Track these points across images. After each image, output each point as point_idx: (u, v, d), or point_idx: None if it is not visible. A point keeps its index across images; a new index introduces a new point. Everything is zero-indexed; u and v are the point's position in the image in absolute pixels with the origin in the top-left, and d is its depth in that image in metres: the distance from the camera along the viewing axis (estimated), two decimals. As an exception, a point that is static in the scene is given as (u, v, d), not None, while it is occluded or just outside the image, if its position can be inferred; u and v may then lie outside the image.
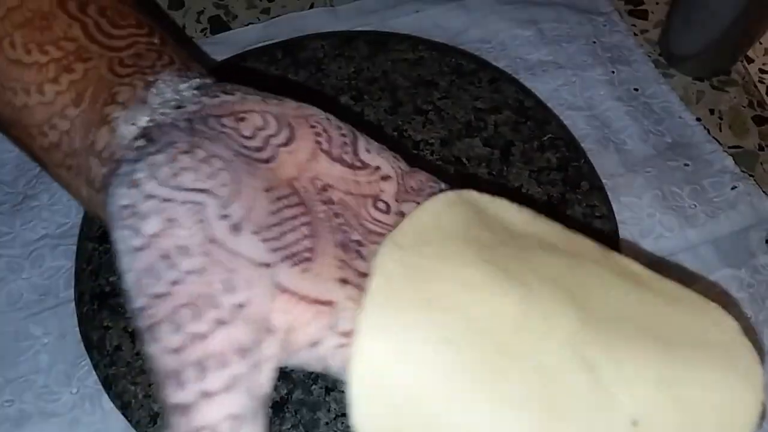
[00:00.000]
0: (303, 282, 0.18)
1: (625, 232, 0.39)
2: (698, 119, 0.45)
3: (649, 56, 0.47)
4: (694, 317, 0.21)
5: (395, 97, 0.41)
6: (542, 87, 0.44)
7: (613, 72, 0.46)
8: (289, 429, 0.31)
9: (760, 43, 0.49)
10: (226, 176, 0.18)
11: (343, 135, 0.21)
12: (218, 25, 0.49)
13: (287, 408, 0.31)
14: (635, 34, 0.49)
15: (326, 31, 0.45)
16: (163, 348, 0.16)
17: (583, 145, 0.42)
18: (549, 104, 0.42)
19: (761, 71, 0.48)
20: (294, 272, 0.18)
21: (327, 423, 0.31)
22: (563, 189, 0.38)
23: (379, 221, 0.21)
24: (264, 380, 0.17)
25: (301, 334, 0.18)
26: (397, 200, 0.22)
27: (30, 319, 0.36)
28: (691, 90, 0.47)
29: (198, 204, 0.17)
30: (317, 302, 0.18)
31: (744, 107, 0.46)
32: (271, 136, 0.20)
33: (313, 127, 0.21)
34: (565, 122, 0.42)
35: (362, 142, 0.22)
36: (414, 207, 0.21)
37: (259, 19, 0.49)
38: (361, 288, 0.19)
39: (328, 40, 0.43)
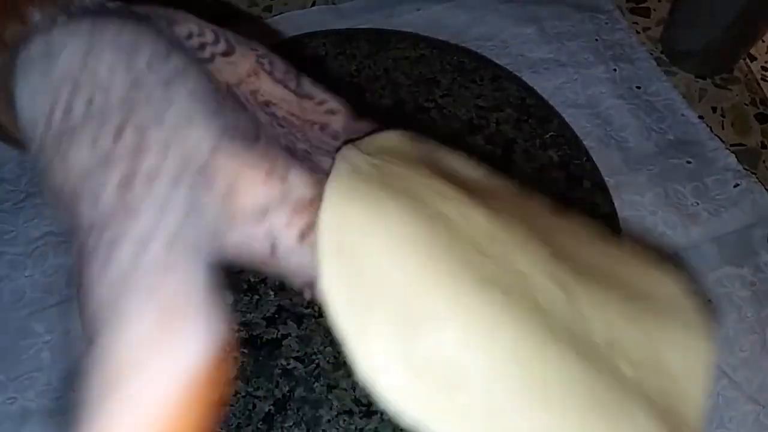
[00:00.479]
0: (247, 152, 0.16)
1: (627, 230, 0.39)
2: (701, 117, 0.44)
3: (651, 54, 0.47)
4: (650, 272, 0.21)
5: (397, 95, 0.41)
6: (544, 85, 0.44)
7: (615, 70, 0.46)
8: (291, 426, 0.31)
9: (763, 41, 0.49)
10: (158, 47, 0.16)
11: (287, 66, 0.20)
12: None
13: (289, 405, 0.31)
14: (637, 32, 0.49)
15: (328, 28, 0.45)
16: (76, 160, 0.15)
17: (585, 142, 0.41)
18: (551, 102, 0.42)
19: (764, 69, 0.48)
20: (237, 143, 0.16)
21: (329, 420, 0.31)
22: (565, 187, 0.38)
23: (328, 144, 0.20)
24: (201, 235, 0.15)
25: (248, 198, 0.16)
26: (345, 132, 0.21)
27: (32, 316, 0.36)
28: (693, 88, 0.47)
29: (126, 44, 0.16)
30: (264, 165, 0.17)
31: (746, 105, 0.46)
32: (208, 43, 0.18)
33: (254, 50, 0.20)
34: (567, 120, 0.42)
35: (307, 79, 0.21)
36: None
37: (261, 17, 0.49)
38: (314, 171, 0.18)
39: (329, 37, 0.43)
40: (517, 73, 0.44)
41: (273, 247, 0.17)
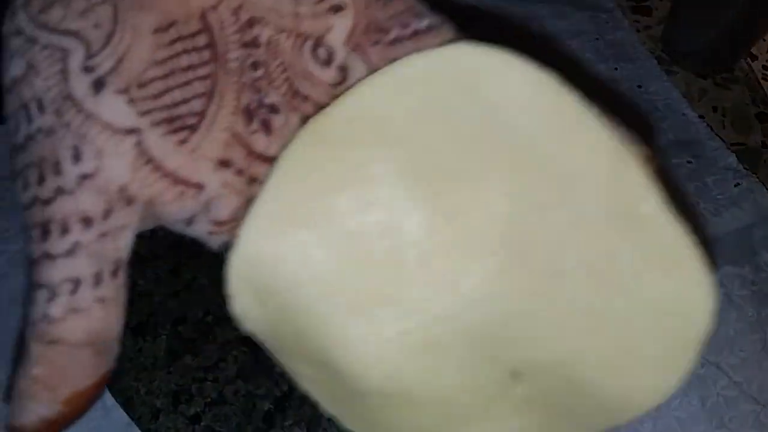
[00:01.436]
0: (174, 156, 0.16)
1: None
2: (701, 116, 0.44)
3: (652, 53, 0.47)
4: (667, 283, 0.17)
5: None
6: (545, 84, 0.44)
7: (616, 69, 0.46)
8: (291, 425, 0.31)
9: (764, 41, 0.49)
10: (103, 13, 0.15)
11: None
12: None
13: (289, 404, 0.31)
14: (638, 31, 0.49)
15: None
16: (21, 200, 0.16)
17: (585, 142, 0.41)
18: (552, 101, 0.42)
19: (764, 68, 0.48)
20: (166, 142, 0.16)
21: (330, 419, 0.31)
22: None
23: (313, 78, 0.17)
24: (119, 245, 0.16)
25: (167, 210, 0.17)
26: (347, 44, 0.17)
27: (31, 314, 0.36)
28: (694, 87, 0.46)
29: (61, 50, 0.15)
30: (182, 182, 0.16)
31: (747, 104, 0.46)
32: None
33: None
34: (568, 119, 0.42)
35: None
36: (361, 65, 0.17)
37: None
38: (244, 175, 0.17)
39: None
40: (517, 72, 0.44)
41: (206, 243, 0.18)
